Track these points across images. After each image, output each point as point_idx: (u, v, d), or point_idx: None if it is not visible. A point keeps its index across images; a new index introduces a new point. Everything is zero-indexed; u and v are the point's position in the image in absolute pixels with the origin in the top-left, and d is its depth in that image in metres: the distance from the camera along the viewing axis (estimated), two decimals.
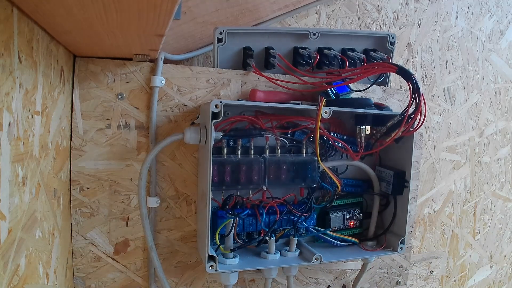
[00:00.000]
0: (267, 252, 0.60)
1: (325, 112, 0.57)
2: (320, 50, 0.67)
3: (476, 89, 0.96)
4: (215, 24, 0.71)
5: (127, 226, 0.61)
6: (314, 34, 0.67)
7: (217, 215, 0.59)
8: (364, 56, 0.67)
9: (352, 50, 0.69)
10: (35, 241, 0.42)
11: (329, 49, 0.67)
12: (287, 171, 0.61)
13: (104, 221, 0.60)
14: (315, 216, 0.66)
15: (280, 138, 0.61)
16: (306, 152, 0.63)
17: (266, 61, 0.66)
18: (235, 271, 0.59)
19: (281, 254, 0.61)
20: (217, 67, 0.63)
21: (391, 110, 0.65)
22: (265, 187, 0.61)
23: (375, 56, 0.68)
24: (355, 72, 0.59)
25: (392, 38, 0.71)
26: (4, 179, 0.34)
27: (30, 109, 0.40)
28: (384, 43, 0.71)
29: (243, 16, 0.73)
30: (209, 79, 0.62)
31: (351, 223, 0.68)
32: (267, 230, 0.61)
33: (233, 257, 0.58)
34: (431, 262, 0.95)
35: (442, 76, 0.92)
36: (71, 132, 0.58)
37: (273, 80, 0.63)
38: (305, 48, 0.66)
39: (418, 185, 0.83)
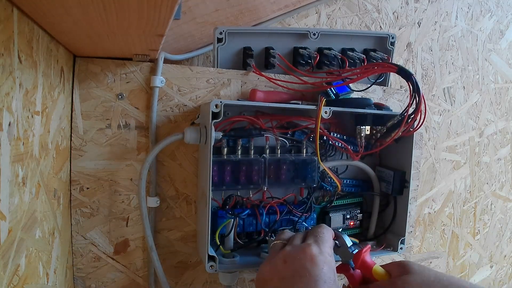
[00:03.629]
0: (267, 252, 0.60)
1: (325, 112, 0.57)
2: (320, 50, 0.67)
3: (476, 89, 0.96)
4: (215, 24, 0.71)
5: (127, 226, 0.61)
6: (314, 34, 0.67)
7: (217, 215, 0.59)
8: (364, 56, 0.67)
9: (352, 50, 0.69)
10: (35, 241, 0.42)
11: (329, 49, 0.67)
12: (287, 171, 0.61)
13: (104, 221, 0.60)
14: (315, 216, 0.66)
15: (280, 138, 0.61)
16: (306, 152, 0.63)
17: (266, 61, 0.66)
18: (235, 271, 0.59)
19: None
20: (217, 67, 0.63)
21: (391, 110, 0.65)
22: (265, 187, 0.61)
23: (375, 56, 0.68)
24: (355, 72, 0.59)
25: (392, 38, 0.71)
26: (4, 179, 0.34)
27: (30, 109, 0.40)
28: (384, 43, 0.71)
29: (243, 16, 0.73)
30: (209, 79, 0.62)
31: (351, 223, 0.68)
32: (267, 230, 0.61)
33: (233, 257, 0.58)
34: (431, 262, 0.95)
35: (442, 76, 0.92)
36: (71, 132, 0.58)
37: (273, 80, 0.63)
38: (305, 48, 0.66)
39: (418, 185, 0.83)
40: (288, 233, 0.54)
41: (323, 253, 0.48)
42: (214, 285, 0.67)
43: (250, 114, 0.61)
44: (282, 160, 0.60)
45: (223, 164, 0.58)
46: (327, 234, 0.51)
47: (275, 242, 0.52)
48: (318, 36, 0.67)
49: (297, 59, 0.67)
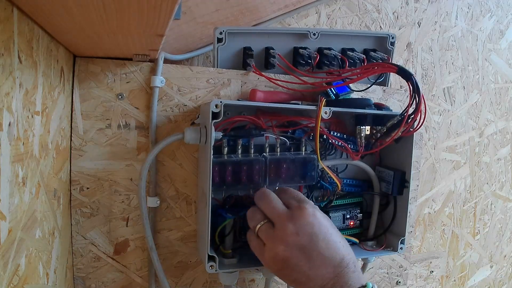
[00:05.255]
0: None
1: (325, 112, 0.57)
2: (320, 50, 0.67)
3: (476, 89, 0.96)
4: (215, 24, 0.71)
5: (127, 226, 0.61)
6: (314, 34, 0.67)
7: (217, 214, 0.59)
8: (364, 56, 0.67)
9: (352, 50, 0.69)
10: (35, 241, 0.42)
11: (329, 49, 0.67)
12: (287, 169, 0.61)
13: (104, 221, 0.60)
14: None
15: (280, 137, 0.61)
16: (305, 150, 0.63)
17: (266, 61, 0.66)
18: (235, 271, 0.59)
19: None
20: (217, 67, 0.63)
21: (391, 110, 0.65)
22: (265, 186, 0.61)
23: (375, 56, 0.68)
24: (355, 72, 0.59)
25: (392, 38, 0.71)
26: (4, 179, 0.34)
27: (30, 109, 0.40)
28: (384, 43, 0.71)
29: (243, 16, 0.73)
30: (209, 79, 0.62)
31: (351, 223, 0.68)
32: None
33: (233, 257, 0.58)
34: (431, 262, 0.95)
35: (442, 76, 0.92)
36: (71, 132, 0.58)
37: (273, 80, 0.63)
38: (305, 48, 0.66)
39: (418, 185, 0.83)
40: (257, 212, 0.53)
41: (314, 206, 0.50)
42: (214, 285, 0.67)
43: (250, 114, 0.61)
44: (282, 159, 0.60)
45: (223, 164, 0.58)
46: (296, 190, 0.55)
47: (259, 226, 0.51)
48: (318, 36, 0.67)
49: (297, 59, 0.67)
